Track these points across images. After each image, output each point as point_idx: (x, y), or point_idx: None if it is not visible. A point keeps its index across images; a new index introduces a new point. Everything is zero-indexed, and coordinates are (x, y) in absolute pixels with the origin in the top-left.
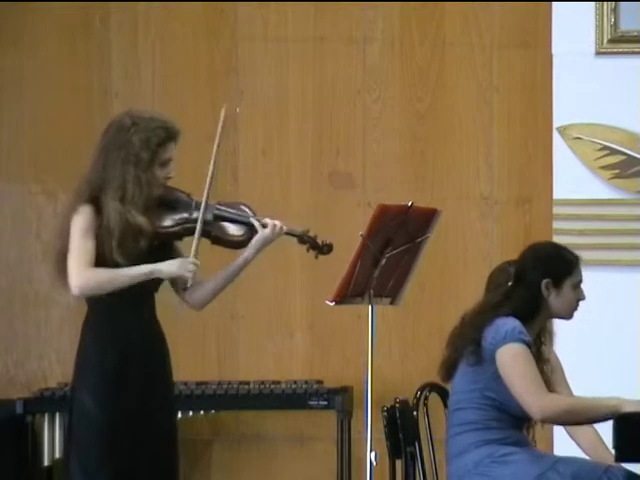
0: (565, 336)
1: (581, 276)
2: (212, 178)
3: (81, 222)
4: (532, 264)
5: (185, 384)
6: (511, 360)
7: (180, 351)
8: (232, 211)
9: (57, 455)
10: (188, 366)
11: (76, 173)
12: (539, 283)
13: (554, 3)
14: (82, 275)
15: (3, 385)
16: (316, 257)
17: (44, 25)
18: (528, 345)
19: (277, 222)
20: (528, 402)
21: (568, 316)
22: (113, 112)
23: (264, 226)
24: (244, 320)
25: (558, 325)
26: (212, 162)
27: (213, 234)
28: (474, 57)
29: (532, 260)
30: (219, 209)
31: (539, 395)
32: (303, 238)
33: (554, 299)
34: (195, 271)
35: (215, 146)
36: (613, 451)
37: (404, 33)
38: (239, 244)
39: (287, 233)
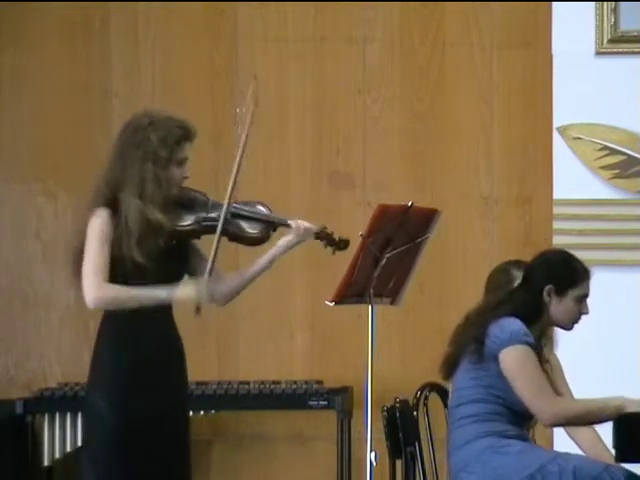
0: (565, 336)
1: (588, 291)
2: (236, 178)
3: (97, 226)
4: (540, 268)
5: None
6: (516, 363)
7: None
8: (249, 209)
9: (57, 455)
10: (188, 366)
11: (76, 173)
12: (542, 288)
13: (554, 3)
14: (99, 291)
15: (3, 385)
16: (333, 253)
17: (44, 25)
18: (532, 347)
19: (301, 223)
20: (538, 408)
21: (567, 327)
22: (113, 112)
23: (288, 227)
24: (244, 320)
25: None
26: (236, 162)
27: (231, 231)
28: (474, 57)
29: (540, 264)
30: (236, 207)
31: (549, 401)
32: (320, 234)
33: (555, 306)
34: (210, 292)
35: (240, 147)
36: (613, 451)
37: (404, 33)
38: (256, 241)
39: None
